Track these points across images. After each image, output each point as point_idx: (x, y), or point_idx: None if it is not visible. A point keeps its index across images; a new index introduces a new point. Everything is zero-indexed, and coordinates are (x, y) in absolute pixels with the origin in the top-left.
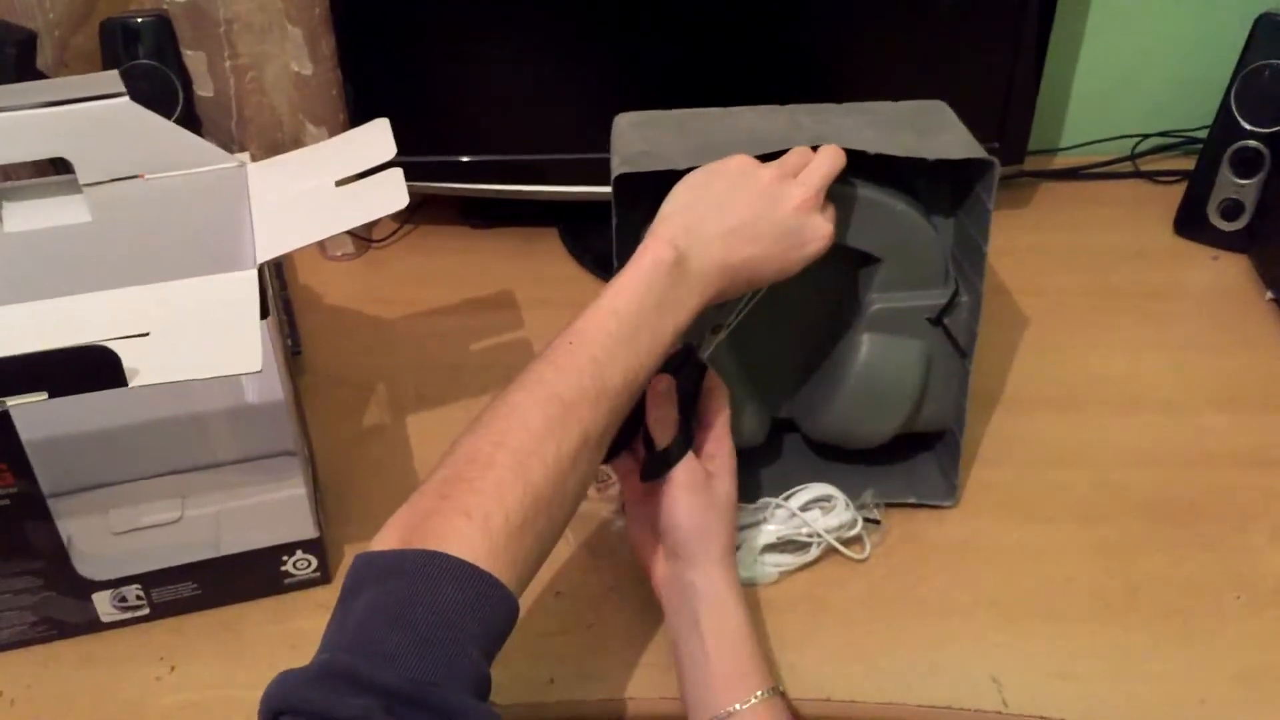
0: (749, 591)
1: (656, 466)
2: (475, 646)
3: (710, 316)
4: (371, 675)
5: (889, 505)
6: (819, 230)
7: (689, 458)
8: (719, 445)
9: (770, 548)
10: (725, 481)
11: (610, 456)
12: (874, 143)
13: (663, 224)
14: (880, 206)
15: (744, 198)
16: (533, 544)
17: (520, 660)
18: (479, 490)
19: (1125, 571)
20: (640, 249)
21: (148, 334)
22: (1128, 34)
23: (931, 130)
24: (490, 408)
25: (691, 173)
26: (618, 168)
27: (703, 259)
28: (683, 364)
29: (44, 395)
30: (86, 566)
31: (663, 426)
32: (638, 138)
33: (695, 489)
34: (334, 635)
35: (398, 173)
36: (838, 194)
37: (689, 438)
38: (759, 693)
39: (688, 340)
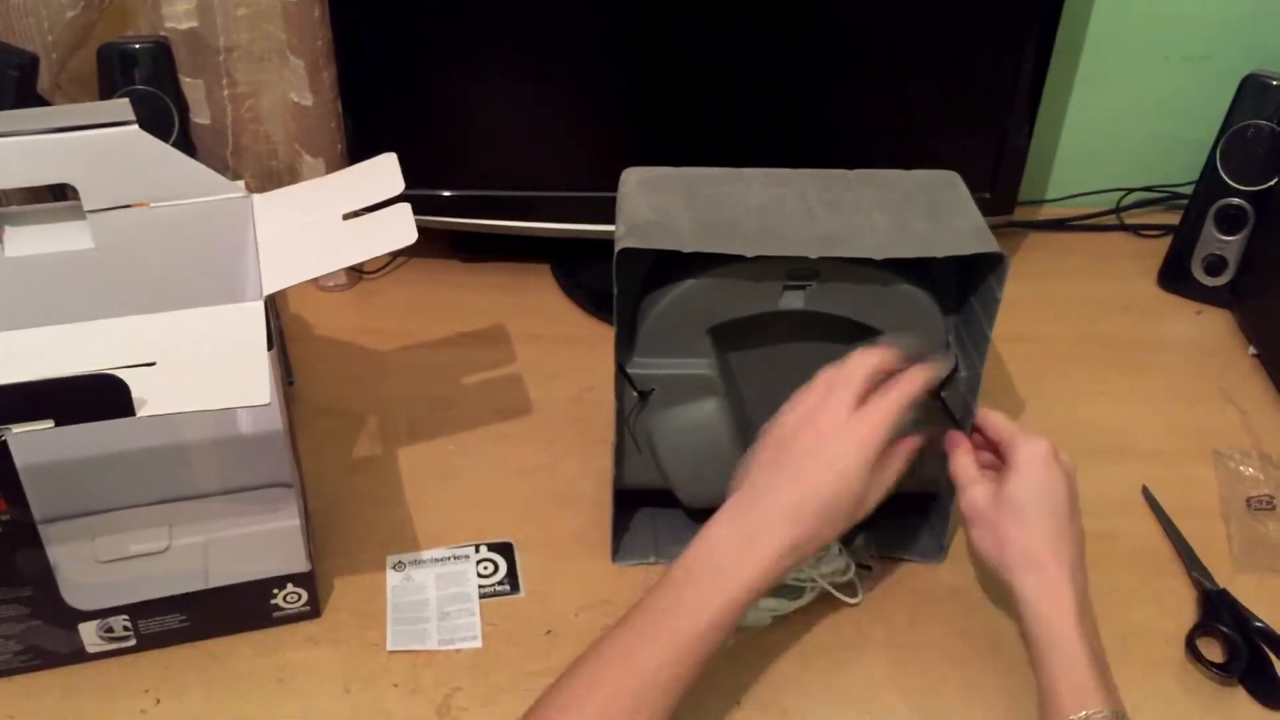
0: (741, 636)
1: None
2: None
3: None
4: None
5: (880, 555)
6: (878, 493)
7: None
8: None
9: None
10: (1010, 485)
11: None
12: (885, 241)
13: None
14: (884, 284)
15: (819, 475)
16: None
17: (511, 698)
18: None
19: (1116, 620)
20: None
21: (154, 363)
22: (1116, 91)
23: (943, 211)
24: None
25: (766, 439)
26: (623, 238)
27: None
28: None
29: (50, 423)
30: (74, 596)
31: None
32: (645, 203)
33: (975, 520)
34: None
35: (406, 208)
36: (846, 272)
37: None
38: (1085, 712)
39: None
